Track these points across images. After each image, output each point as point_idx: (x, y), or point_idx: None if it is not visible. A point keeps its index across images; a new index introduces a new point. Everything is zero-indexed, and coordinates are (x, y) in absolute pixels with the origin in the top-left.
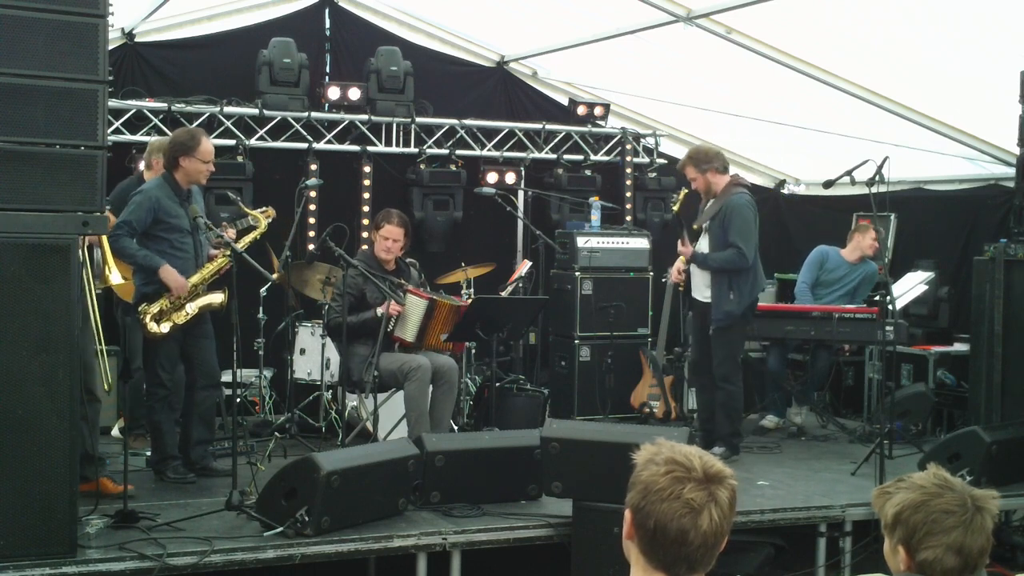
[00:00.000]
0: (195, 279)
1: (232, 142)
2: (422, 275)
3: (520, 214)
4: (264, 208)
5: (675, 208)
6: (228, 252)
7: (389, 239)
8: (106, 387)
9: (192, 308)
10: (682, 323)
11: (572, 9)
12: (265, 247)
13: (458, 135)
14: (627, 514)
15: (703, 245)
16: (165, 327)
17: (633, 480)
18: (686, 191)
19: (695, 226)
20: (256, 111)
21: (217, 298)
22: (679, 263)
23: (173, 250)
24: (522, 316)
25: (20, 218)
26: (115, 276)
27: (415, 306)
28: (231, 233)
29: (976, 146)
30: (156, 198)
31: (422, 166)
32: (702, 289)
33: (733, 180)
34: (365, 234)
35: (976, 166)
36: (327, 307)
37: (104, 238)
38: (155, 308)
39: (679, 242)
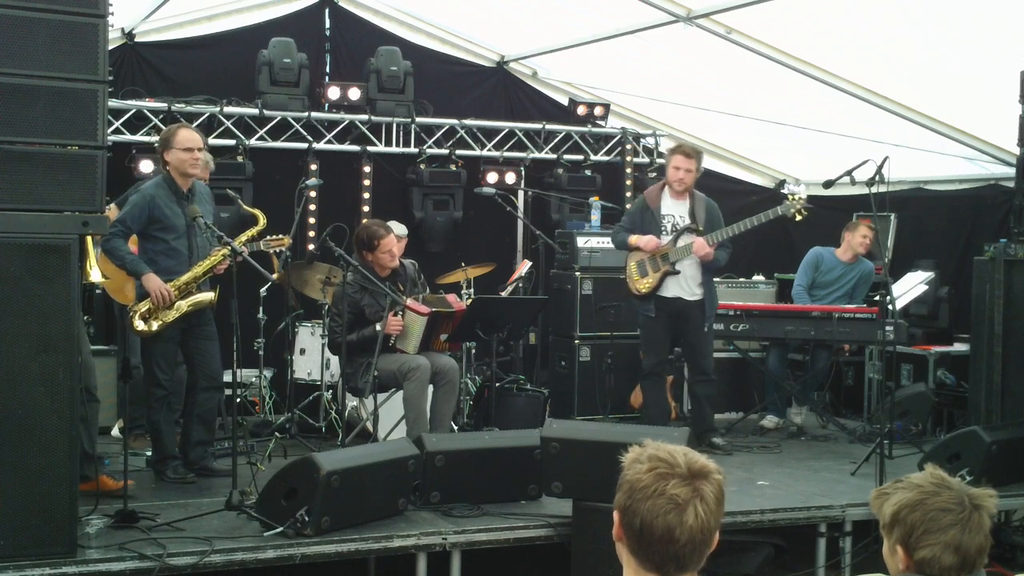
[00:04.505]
0: (186, 277)
1: (232, 142)
2: (421, 275)
3: (520, 214)
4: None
5: None
6: (227, 251)
7: (390, 250)
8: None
9: (183, 306)
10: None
11: (572, 9)
12: None
13: (458, 135)
14: (615, 515)
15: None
16: (154, 325)
17: (620, 481)
18: None
19: (699, 228)
20: (256, 111)
21: (207, 296)
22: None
23: (168, 250)
24: (522, 316)
25: (20, 218)
26: (95, 274)
27: (415, 323)
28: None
29: (976, 146)
30: (151, 197)
31: (422, 166)
32: (692, 288)
33: None
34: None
35: (976, 166)
36: (326, 322)
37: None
38: (143, 306)
39: (702, 242)
